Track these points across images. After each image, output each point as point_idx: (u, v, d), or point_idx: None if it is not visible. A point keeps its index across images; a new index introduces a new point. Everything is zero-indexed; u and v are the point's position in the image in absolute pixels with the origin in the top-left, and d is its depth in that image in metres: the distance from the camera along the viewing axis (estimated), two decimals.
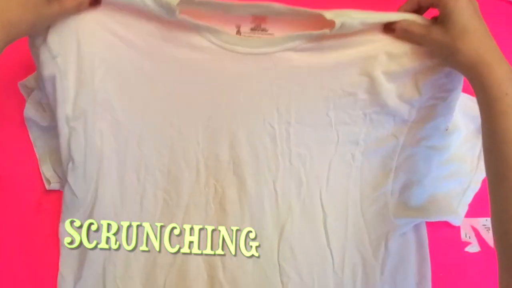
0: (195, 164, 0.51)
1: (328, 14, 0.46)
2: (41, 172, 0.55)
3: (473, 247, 0.57)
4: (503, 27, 0.61)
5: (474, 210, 0.58)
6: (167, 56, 0.48)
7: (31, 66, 0.54)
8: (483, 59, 0.41)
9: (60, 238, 0.52)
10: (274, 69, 0.49)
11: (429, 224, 0.56)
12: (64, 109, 0.46)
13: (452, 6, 0.43)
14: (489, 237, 0.57)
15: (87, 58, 0.46)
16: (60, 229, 0.51)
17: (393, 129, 0.51)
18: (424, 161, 0.52)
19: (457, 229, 0.57)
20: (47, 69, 0.45)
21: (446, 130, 0.52)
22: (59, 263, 0.52)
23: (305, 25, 0.48)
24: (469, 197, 0.56)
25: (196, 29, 0.47)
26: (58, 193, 0.55)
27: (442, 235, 0.57)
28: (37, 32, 0.44)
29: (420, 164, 0.52)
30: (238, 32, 0.49)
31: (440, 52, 0.46)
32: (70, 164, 0.48)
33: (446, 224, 0.57)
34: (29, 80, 0.52)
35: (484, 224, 0.58)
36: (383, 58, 0.48)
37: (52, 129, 0.52)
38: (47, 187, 0.55)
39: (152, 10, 0.44)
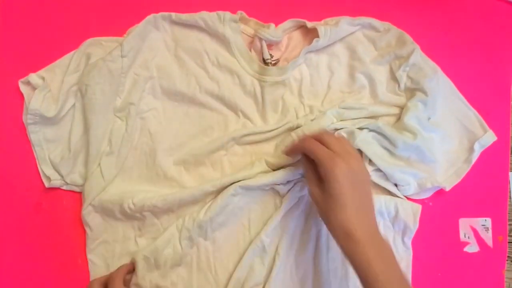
0: (220, 166, 0.55)
1: (309, 24, 0.56)
2: (40, 170, 0.55)
3: (472, 247, 0.57)
4: (503, 27, 0.61)
5: (473, 210, 0.58)
6: (210, 76, 0.56)
7: (30, 66, 0.55)
8: (352, 235, 0.42)
9: (84, 222, 0.54)
10: (289, 90, 0.57)
11: (428, 225, 0.57)
12: (115, 101, 0.54)
13: (328, 173, 0.43)
14: (488, 237, 0.57)
15: (145, 64, 0.55)
16: (83, 212, 0.54)
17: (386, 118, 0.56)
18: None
19: (456, 229, 0.58)
20: (114, 63, 0.53)
21: (429, 119, 0.55)
22: (86, 251, 0.54)
23: (298, 46, 0.57)
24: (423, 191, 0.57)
25: (237, 56, 0.56)
26: (58, 193, 0.55)
27: (441, 235, 0.57)
28: None
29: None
30: (262, 60, 0.56)
31: (319, 212, 0.46)
32: (108, 148, 0.54)
33: (445, 224, 0.57)
34: (32, 77, 0.54)
35: (483, 224, 0.58)
36: (364, 52, 0.56)
37: (56, 121, 0.54)
38: (46, 185, 0.55)
39: (215, 27, 0.54)
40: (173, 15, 0.55)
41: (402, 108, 0.56)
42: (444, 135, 0.57)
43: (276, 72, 0.55)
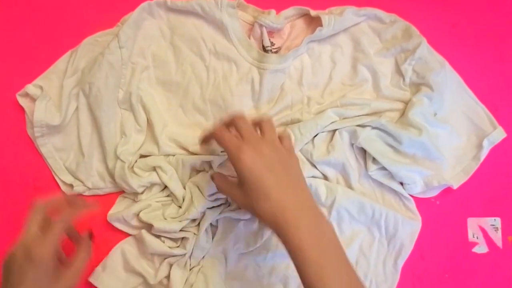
0: None
1: (313, 12, 0.54)
2: (58, 181, 0.54)
3: (481, 248, 0.56)
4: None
5: (481, 210, 0.56)
6: (207, 64, 0.55)
7: (21, 75, 0.54)
8: (279, 222, 0.39)
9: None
10: (289, 79, 0.55)
11: (436, 224, 0.56)
12: (117, 94, 0.53)
13: (236, 163, 0.41)
14: (497, 238, 0.56)
15: (141, 53, 0.54)
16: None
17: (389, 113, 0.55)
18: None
19: (464, 229, 0.56)
20: (113, 55, 0.52)
21: (435, 115, 0.54)
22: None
23: (300, 35, 0.56)
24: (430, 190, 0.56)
25: (235, 43, 0.54)
26: (56, 192, 0.54)
27: (448, 235, 0.56)
28: None
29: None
30: (262, 48, 0.55)
31: (247, 211, 0.45)
32: (123, 139, 0.53)
33: (453, 224, 0.56)
34: (29, 88, 0.53)
35: (493, 224, 0.56)
36: (369, 44, 0.55)
37: (62, 128, 0.54)
38: (68, 193, 0.54)
39: (212, 13, 0.53)
40: (168, 1, 0.54)
41: (406, 103, 0.54)
42: (452, 131, 0.55)
43: (276, 59, 0.54)
